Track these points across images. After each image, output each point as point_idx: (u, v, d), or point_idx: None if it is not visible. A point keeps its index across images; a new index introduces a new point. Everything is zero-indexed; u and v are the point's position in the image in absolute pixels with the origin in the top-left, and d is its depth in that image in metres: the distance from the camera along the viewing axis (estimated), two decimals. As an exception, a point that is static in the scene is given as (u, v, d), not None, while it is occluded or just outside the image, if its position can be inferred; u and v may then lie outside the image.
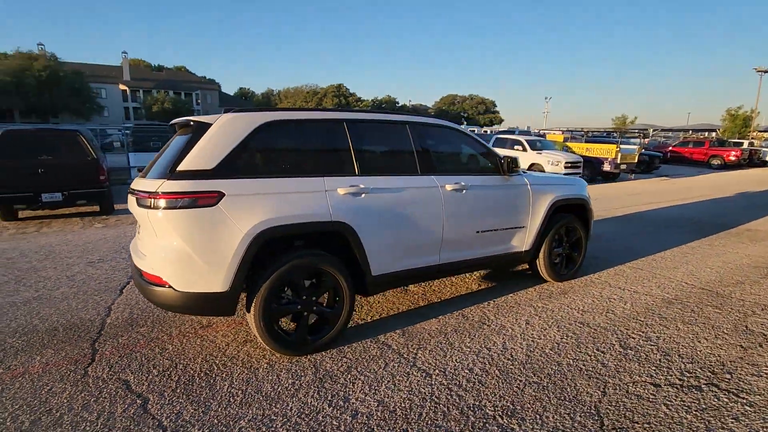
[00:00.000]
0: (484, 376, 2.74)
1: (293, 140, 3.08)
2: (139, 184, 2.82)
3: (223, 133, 2.79)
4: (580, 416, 2.34)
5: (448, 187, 3.58)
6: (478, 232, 3.82)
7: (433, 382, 2.66)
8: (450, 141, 3.94)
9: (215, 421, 2.28)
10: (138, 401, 2.44)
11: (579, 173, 13.24)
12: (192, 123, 2.96)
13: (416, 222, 3.42)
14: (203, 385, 2.61)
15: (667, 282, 4.57)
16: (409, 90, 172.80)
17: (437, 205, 3.51)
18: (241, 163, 2.80)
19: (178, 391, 2.55)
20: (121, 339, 3.19)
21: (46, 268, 4.86)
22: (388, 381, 2.67)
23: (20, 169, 7.09)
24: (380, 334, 3.31)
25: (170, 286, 2.64)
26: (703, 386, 2.63)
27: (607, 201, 9.31)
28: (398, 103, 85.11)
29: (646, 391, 2.59)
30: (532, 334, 3.34)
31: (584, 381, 2.69)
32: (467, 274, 4.68)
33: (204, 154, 2.70)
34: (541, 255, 4.33)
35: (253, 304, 2.75)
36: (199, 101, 70.09)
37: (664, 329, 3.45)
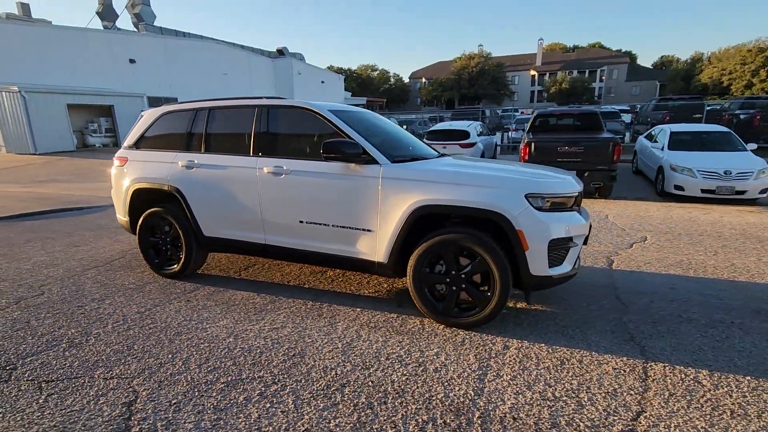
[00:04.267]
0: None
1: (171, 125, 4.23)
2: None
3: (142, 121, 4.41)
4: None
5: (266, 170, 3.59)
6: (301, 221, 3.53)
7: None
8: (303, 124, 3.68)
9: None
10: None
11: None
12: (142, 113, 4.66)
13: (235, 197, 3.77)
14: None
15: None
16: None
17: (252, 185, 3.66)
18: (143, 141, 4.34)
19: (110, 267, 4.60)
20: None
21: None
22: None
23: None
24: (207, 284, 4.03)
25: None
26: None
27: None
28: None
29: None
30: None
31: None
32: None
33: (132, 134, 4.45)
34: (408, 277, 3.22)
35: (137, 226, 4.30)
36: (603, 78, 66.79)
37: None
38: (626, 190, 9.43)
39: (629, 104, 36.26)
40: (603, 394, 2.33)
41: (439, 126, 12.72)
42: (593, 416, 2.15)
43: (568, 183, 3.16)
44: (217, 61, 30.31)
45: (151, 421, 2.09)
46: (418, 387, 2.40)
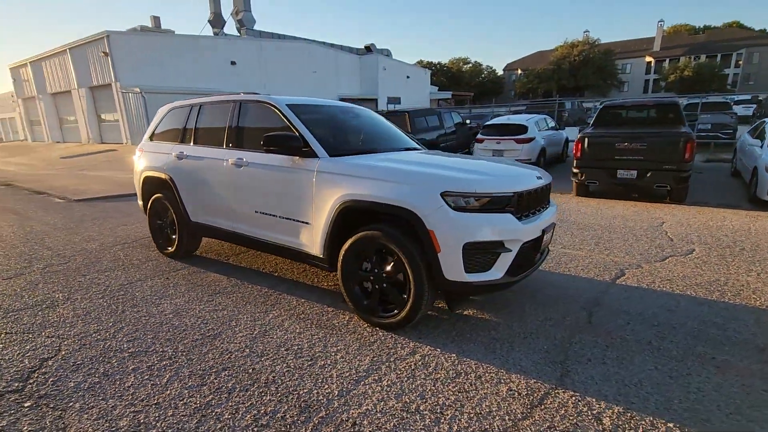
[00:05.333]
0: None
1: (175, 120, 4.67)
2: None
3: (157, 116, 4.96)
4: None
5: (230, 161, 3.83)
6: (256, 212, 3.70)
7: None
8: (266, 119, 3.79)
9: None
10: (126, 241, 5.41)
11: None
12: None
13: (210, 187, 4.08)
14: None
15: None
16: None
17: (223, 175, 3.93)
18: (155, 134, 4.89)
19: (133, 244, 5.28)
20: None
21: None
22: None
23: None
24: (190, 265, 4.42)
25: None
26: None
27: None
28: None
29: None
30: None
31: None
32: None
33: (150, 128, 5.03)
34: (338, 272, 3.21)
35: (147, 208, 4.88)
36: (740, 62, 56.77)
37: None
38: (713, 195, 8.05)
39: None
40: (472, 414, 2.11)
41: (496, 120, 12.07)
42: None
43: (502, 181, 2.86)
44: (307, 60, 32.18)
45: (46, 377, 2.42)
46: (290, 380, 2.41)
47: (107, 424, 2.03)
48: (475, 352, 2.71)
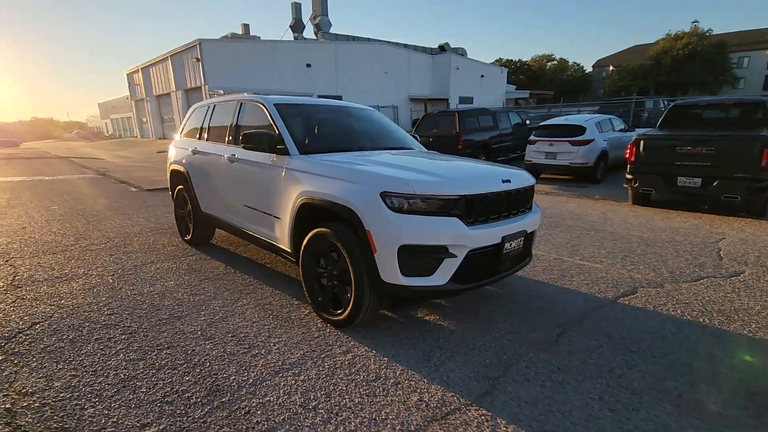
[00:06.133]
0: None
1: (197, 118, 5.07)
2: None
3: (187, 114, 5.44)
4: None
5: (225, 156, 4.10)
6: (245, 205, 3.91)
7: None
8: (258, 117, 3.96)
9: (136, 239, 5.48)
10: (161, 228, 6.01)
11: None
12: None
13: (213, 181, 4.40)
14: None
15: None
16: None
17: (220, 170, 4.22)
18: (184, 130, 5.36)
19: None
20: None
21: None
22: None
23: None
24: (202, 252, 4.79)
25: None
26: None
27: None
28: None
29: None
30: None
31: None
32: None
33: (181, 125, 5.53)
34: (300, 267, 3.30)
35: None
36: None
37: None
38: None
39: None
40: (365, 419, 2.07)
41: (551, 121, 11.31)
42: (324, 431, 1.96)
43: (450, 183, 2.72)
44: (379, 61, 32.76)
45: (27, 337, 2.81)
46: (218, 364, 2.55)
47: (44, 383, 2.32)
48: (408, 359, 2.63)
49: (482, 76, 39.92)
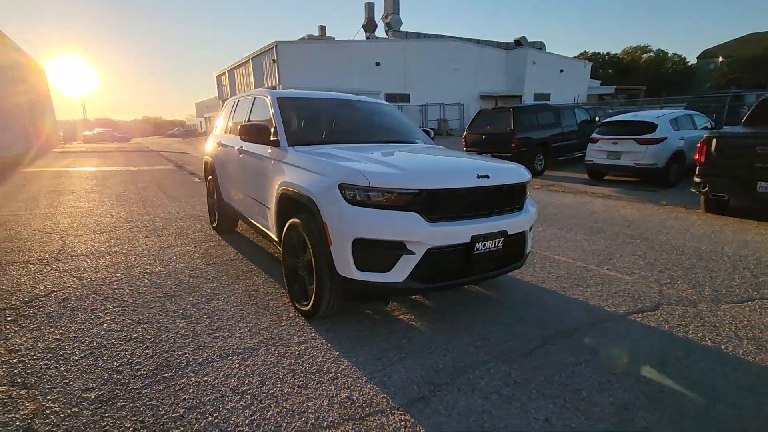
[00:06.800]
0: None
1: (227, 112, 5.33)
2: None
3: (221, 109, 5.80)
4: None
5: (236, 148, 4.31)
6: (248, 195, 4.08)
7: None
8: (265, 111, 4.06)
9: (175, 224, 5.98)
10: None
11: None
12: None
13: (229, 171, 4.65)
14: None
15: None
16: None
17: (233, 162, 4.45)
18: (218, 124, 5.72)
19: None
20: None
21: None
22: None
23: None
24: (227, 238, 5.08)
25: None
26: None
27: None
28: None
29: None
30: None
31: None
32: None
33: (216, 119, 5.91)
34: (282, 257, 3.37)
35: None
36: None
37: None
38: None
39: None
40: (285, 409, 2.05)
41: (618, 117, 10.28)
42: (254, 416, 1.99)
43: (411, 177, 2.59)
44: (449, 58, 32.21)
45: (40, 303, 3.20)
46: (180, 341, 2.69)
47: (31, 343, 2.63)
48: (360, 355, 2.56)
49: (561, 70, 37.53)
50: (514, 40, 38.04)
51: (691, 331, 2.92)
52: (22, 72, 21.94)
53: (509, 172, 2.93)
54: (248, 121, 4.36)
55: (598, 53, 58.47)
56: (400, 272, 2.54)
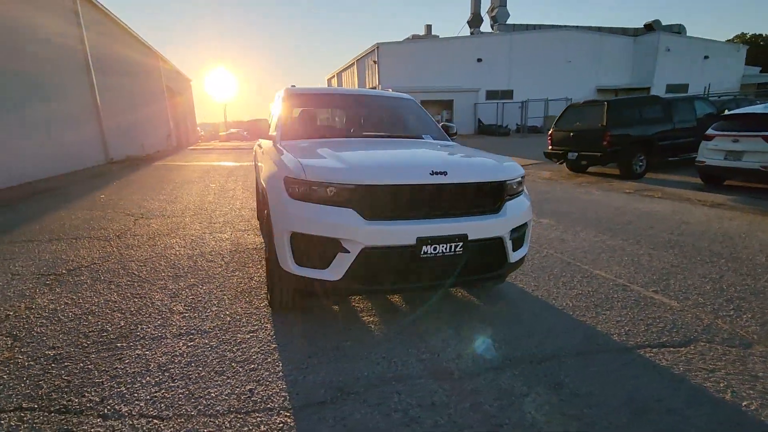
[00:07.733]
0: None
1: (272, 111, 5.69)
2: None
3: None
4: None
5: (258, 142, 4.56)
6: (263, 186, 4.29)
7: (201, 235, 5.25)
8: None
9: (232, 213, 6.57)
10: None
11: None
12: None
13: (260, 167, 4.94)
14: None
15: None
16: None
17: (259, 158, 4.71)
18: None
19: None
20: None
21: None
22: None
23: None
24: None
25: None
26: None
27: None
28: None
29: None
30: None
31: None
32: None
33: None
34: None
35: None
36: None
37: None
38: None
39: None
40: (186, 391, 2.13)
41: (743, 109, 8.35)
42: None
43: (349, 172, 2.45)
44: (561, 49, 29.70)
45: (76, 272, 3.79)
46: (154, 317, 2.95)
47: (46, 304, 3.14)
48: (294, 351, 2.53)
49: (706, 57, 31.94)
50: (644, 25, 33.43)
51: (712, 377, 2.27)
52: (176, 83, 26.22)
53: (479, 169, 2.60)
54: (276, 115, 4.58)
55: (760, 35, 48.09)
56: (337, 270, 2.43)
